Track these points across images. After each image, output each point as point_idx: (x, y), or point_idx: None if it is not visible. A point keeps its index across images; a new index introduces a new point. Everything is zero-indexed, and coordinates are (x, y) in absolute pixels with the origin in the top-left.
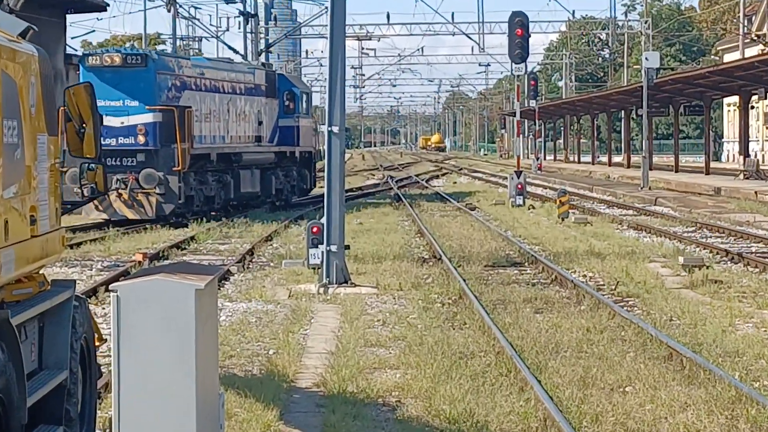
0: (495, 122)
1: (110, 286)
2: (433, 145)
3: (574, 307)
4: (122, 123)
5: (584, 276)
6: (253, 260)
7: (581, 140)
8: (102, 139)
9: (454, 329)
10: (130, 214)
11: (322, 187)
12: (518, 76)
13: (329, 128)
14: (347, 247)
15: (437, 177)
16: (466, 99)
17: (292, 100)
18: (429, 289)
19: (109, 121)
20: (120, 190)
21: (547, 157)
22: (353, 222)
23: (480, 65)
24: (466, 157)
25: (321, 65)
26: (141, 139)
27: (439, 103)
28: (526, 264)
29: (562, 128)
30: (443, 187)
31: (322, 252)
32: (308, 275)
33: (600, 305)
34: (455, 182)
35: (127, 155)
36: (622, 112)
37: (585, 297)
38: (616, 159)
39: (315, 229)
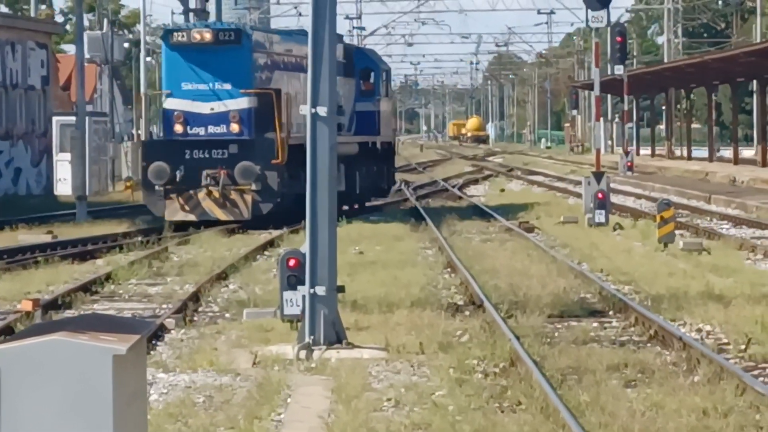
0: (562, 99)
1: None
2: (469, 134)
3: (683, 377)
4: (212, 109)
5: (699, 331)
6: (200, 309)
7: (692, 125)
8: (189, 127)
9: (502, 412)
10: (223, 215)
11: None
12: (597, 29)
13: (312, 109)
14: (341, 289)
15: (476, 182)
16: (518, 64)
17: (370, 79)
18: (465, 352)
19: (196, 107)
20: (210, 187)
21: (642, 152)
22: (350, 250)
23: (539, 13)
24: (520, 152)
25: (299, 15)
26: (234, 127)
27: (478, 70)
28: (611, 313)
29: (663, 108)
30: (485, 198)
31: (304, 296)
32: (282, 332)
33: (723, 375)
34: (503, 190)
35: (218, 146)
36: (754, 82)
37: (700, 362)
38: (746, 153)
39: (292, 262)
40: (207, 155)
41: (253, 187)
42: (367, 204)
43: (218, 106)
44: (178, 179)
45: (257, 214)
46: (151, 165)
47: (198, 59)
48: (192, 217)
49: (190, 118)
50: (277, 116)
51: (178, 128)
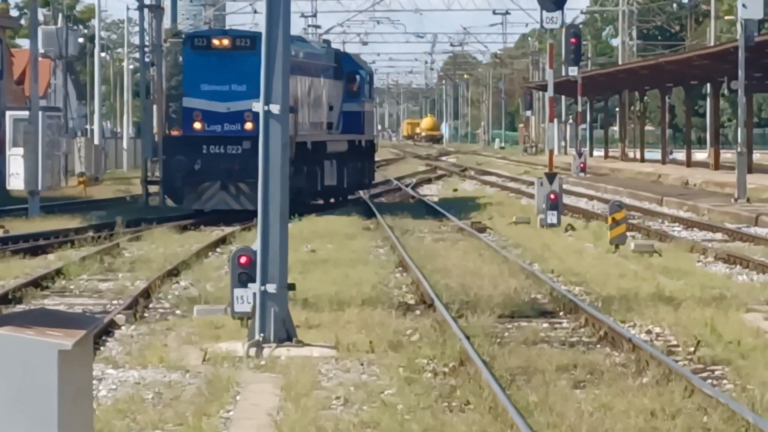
0: (516, 99)
1: None
2: (423, 134)
3: (632, 379)
4: (228, 108)
5: (648, 332)
6: (150, 306)
7: (646, 128)
8: (206, 124)
9: (451, 411)
10: (236, 205)
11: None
12: (551, 30)
13: (265, 107)
14: (292, 287)
15: (429, 181)
16: (473, 64)
17: (356, 82)
18: (414, 351)
19: (213, 106)
20: (225, 180)
21: (595, 153)
22: (302, 248)
23: (494, 13)
24: (473, 152)
25: (255, 12)
26: (248, 125)
27: (432, 70)
28: (562, 314)
29: (617, 109)
30: (438, 197)
31: (254, 294)
32: (233, 329)
33: (672, 377)
34: (456, 189)
35: (233, 143)
36: (708, 85)
37: (649, 364)
38: (699, 155)
39: (243, 260)
40: (223, 150)
41: None
42: (350, 197)
43: (234, 106)
44: (196, 171)
45: None
46: (172, 158)
47: (217, 63)
48: (208, 207)
49: (208, 116)
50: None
51: (197, 125)
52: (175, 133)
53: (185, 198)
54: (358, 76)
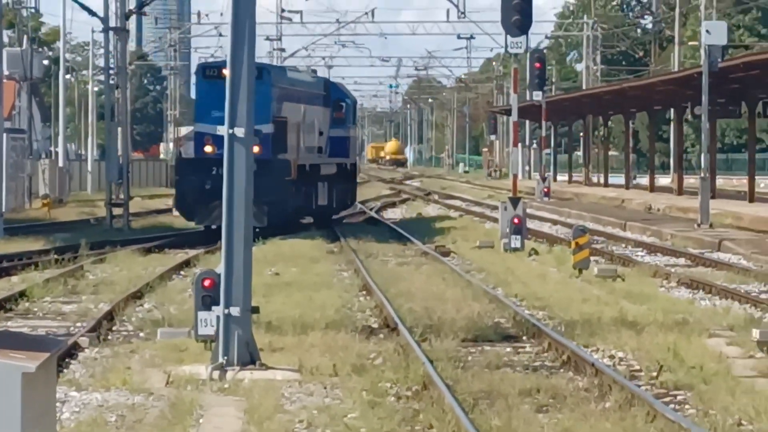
0: (481, 124)
1: None
2: (387, 157)
3: (595, 403)
4: None
5: (611, 357)
6: (114, 328)
7: (610, 152)
8: (216, 148)
9: None
10: None
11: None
12: (516, 54)
13: (230, 130)
14: (255, 310)
15: (393, 205)
16: (437, 88)
17: (342, 109)
18: (378, 375)
19: (224, 131)
20: None
21: (559, 178)
22: (266, 272)
23: (459, 38)
24: (438, 176)
25: (220, 35)
26: (255, 149)
27: (397, 93)
28: (525, 338)
29: (581, 134)
30: (402, 221)
31: (218, 317)
32: (196, 352)
33: (634, 401)
34: (420, 213)
35: None
36: (672, 111)
37: (612, 389)
38: (663, 181)
39: (207, 283)
40: None
41: (271, 198)
42: (334, 216)
43: None
44: (206, 191)
45: (273, 222)
46: (185, 179)
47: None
48: (218, 224)
49: (218, 140)
50: (289, 140)
51: (208, 149)
52: (137, 155)
53: (197, 216)
54: (344, 104)
